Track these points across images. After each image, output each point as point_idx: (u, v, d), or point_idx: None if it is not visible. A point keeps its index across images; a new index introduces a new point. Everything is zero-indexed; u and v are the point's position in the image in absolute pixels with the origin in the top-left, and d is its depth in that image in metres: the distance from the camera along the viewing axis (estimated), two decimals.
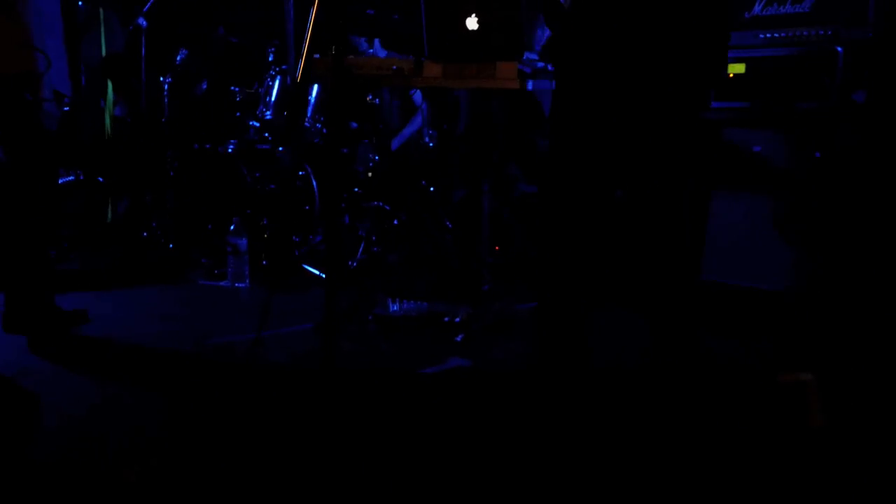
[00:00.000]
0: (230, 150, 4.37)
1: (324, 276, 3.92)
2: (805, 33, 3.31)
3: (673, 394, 2.35)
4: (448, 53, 2.98)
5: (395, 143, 4.63)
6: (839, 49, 3.23)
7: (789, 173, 3.30)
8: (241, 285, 3.97)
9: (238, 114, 4.63)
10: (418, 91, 4.68)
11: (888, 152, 3.21)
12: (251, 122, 4.49)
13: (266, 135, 4.48)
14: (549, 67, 3.10)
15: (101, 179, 4.63)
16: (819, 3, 3.31)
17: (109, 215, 4.75)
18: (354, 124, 4.43)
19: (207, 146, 4.42)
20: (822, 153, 3.26)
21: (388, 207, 4.38)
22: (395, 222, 4.39)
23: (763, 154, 3.39)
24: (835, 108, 3.26)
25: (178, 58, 4.90)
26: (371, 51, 4.59)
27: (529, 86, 3.01)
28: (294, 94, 4.23)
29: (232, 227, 3.99)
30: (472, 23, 2.90)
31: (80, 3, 4.79)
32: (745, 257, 3.38)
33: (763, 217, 3.36)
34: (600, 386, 2.58)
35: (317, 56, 3.14)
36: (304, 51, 1.74)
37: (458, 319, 3.23)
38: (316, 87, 4.37)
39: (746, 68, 3.38)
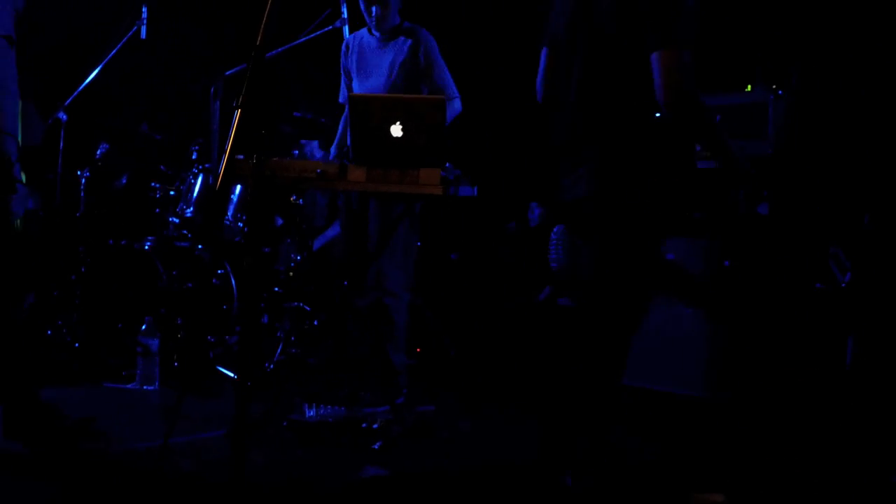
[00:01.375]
0: (147, 247, 4.26)
1: (234, 377, 3.81)
2: None
3: None
4: (373, 158, 3.02)
5: (318, 244, 4.61)
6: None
7: (702, 280, 3.43)
8: (150, 388, 3.80)
9: (157, 210, 4.54)
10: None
11: (789, 264, 3.38)
12: (171, 219, 4.41)
13: (185, 232, 4.40)
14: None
15: None
16: (724, 119, 3.52)
17: None
18: (279, 220, 4.40)
19: (123, 242, 4.30)
20: (731, 262, 3.41)
21: (308, 308, 4.32)
22: (316, 323, 4.32)
23: (677, 261, 3.51)
24: (741, 219, 3.43)
25: (99, 152, 4.82)
26: (308, 149, 4.63)
27: (451, 191, 3.07)
28: (215, 192, 4.20)
29: (144, 327, 3.85)
30: (396, 130, 2.96)
31: None
32: (661, 362, 3.44)
33: (678, 322, 3.45)
34: None
35: (240, 157, 3.14)
36: (225, 154, 1.73)
37: (375, 426, 3.15)
38: (239, 185, 4.35)
39: None
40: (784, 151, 3.39)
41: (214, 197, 4.19)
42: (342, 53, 3.76)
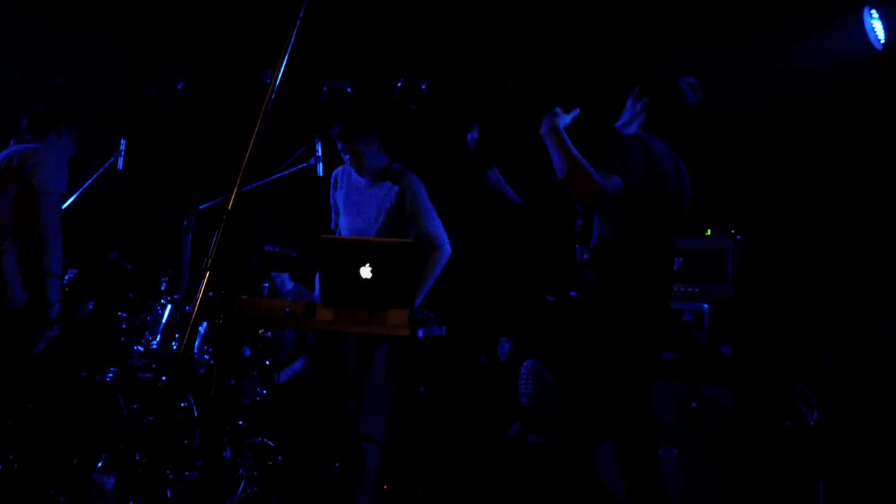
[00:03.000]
0: (108, 379, 4.17)
1: None
2: (676, 289, 3.59)
3: None
4: (342, 299, 3.04)
5: (284, 376, 4.56)
6: (705, 306, 3.50)
7: (668, 423, 3.42)
8: None
9: (122, 339, 4.48)
10: None
11: (752, 405, 3.40)
12: (136, 347, 4.34)
13: (151, 363, 4.33)
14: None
15: None
16: (686, 263, 3.62)
17: None
18: (247, 351, 4.35)
19: (83, 374, 4.21)
20: (698, 404, 3.42)
21: (272, 444, 4.21)
22: (280, 459, 4.20)
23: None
24: (705, 360, 3.47)
25: (67, 277, 4.80)
26: (279, 281, 4.64)
27: (420, 334, 3.08)
28: (183, 326, 4.17)
29: (100, 464, 3.72)
30: (365, 272, 3.00)
31: None
32: None
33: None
34: None
35: (210, 294, 3.14)
36: (194, 311, 1.74)
37: None
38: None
39: None
40: (744, 294, 3.48)
41: (181, 330, 4.15)
42: (331, 185, 3.82)
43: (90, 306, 4.98)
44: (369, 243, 3.18)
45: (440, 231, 3.62)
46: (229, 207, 1.76)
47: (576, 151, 2.71)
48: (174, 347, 4.23)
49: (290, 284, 4.64)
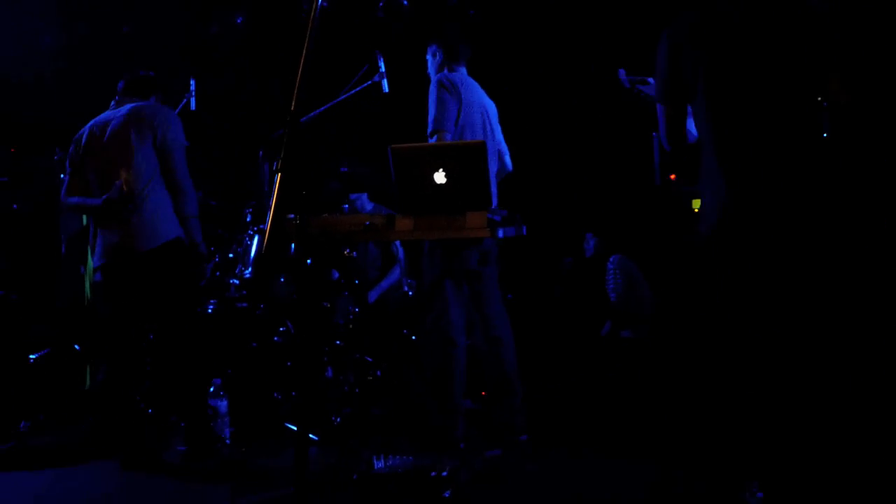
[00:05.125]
0: (209, 311, 4.36)
1: (310, 434, 3.84)
2: None
3: None
4: (419, 207, 3.05)
5: (373, 295, 4.66)
6: None
7: None
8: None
9: (217, 273, 4.66)
10: (398, 244, 4.77)
11: None
12: (231, 281, 4.51)
13: (245, 293, 4.49)
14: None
15: (77, 348, 4.58)
16: None
17: (88, 382, 4.67)
18: (336, 274, 4.46)
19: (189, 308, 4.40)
20: None
21: (369, 359, 4.34)
22: (378, 374, 4.34)
23: None
24: None
25: None
26: (359, 203, 4.71)
27: (500, 234, 3.08)
28: (268, 254, 4.29)
29: (211, 389, 3.92)
30: (439, 177, 2.99)
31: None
32: None
33: None
34: None
35: (290, 217, 3.21)
36: (269, 217, 1.78)
37: (444, 473, 3.13)
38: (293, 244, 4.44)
39: None
40: None
41: (267, 257, 4.28)
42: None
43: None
44: (440, 148, 3.15)
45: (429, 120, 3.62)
46: (292, 108, 1.78)
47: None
48: (261, 276, 4.37)
49: (369, 205, 4.69)
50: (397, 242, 4.76)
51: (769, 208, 2.25)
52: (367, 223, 3.14)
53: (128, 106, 3.72)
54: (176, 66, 4.74)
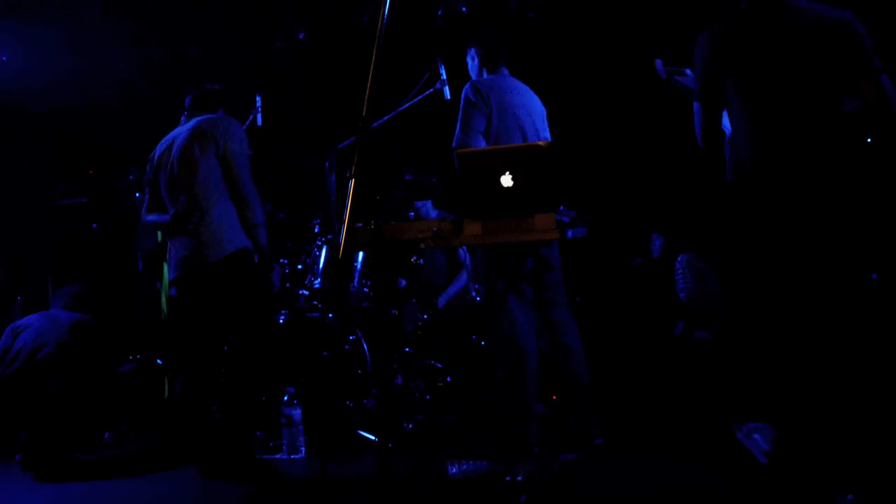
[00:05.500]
0: (281, 321, 4.44)
1: (377, 440, 3.86)
2: None
3: None
4: (486, 211, 3.05)
5: (442, 301, 4.67)
6: None
7: None
8: (296, 457, 3.91)
9: (288, 284, 4.74)
10: (465, 251, 4.78)
11: None
12: (301, 292, 4.59)
13: (315, 303, 4.56)
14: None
15: (159, 362, 4.71)
16: None
17: (166, 393, 4.80)
18: (403, 282, 4.49)
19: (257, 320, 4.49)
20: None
21: (439, 365, 4.35)
22: (448, 380, 4.34)
23: None
24: None
25: None
26: (424, 211, 4.73)
27: (570, 235, 3.05)
28: (339, 262, 4.35)
29: (285, 398, 3.99)
30: (506, 180, 2.98)
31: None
32: None
33: None
34: None
35: (359, 225, 3.25)
36: (344, 224, 1.80)
37: (519, 478, 3.11)
38: (361, 253, 4.49)
39: None
40: None
41: (339, 264, 4.34)
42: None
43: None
44: (506, 150, 3.14)
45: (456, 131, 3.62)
46: (364, 114, 1.80)
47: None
48: (333, 284, 4.43)
49: (434, 212, 4.71)
50: (463, 248, 4.76)
51: (791, 165, 2.61)
52: (435, 229, 3.15)
53: (194, 120, 3.80)
54: (242, 83, 4.86)
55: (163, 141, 3.88)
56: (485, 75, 3.74)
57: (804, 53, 2.65)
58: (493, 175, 2.99)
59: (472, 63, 3.82)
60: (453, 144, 3.54)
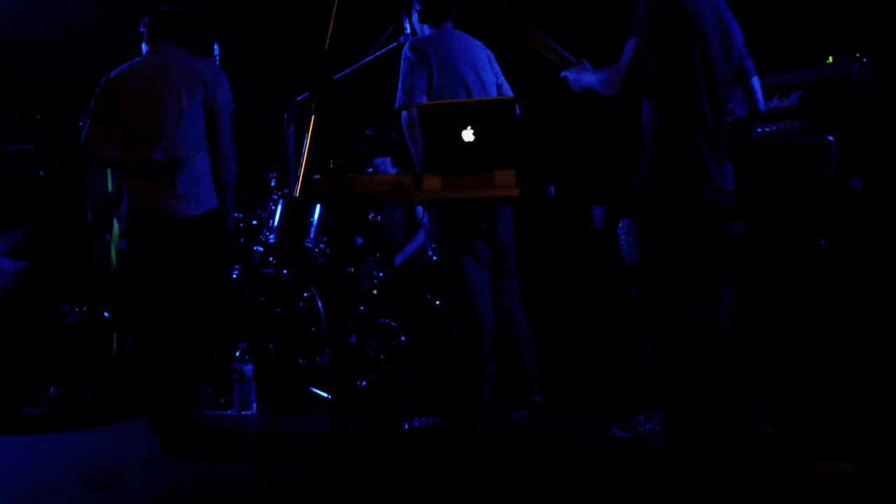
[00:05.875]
0: (234, 276, 4.37)
1: (331, 397, 3.85)
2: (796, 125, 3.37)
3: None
4: (447, 166, 3.01)
5: (399, 259, 4.63)
6: (830, 138, 3.28)
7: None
8: (247, 413, 3.87)
9: (242, 240, 4.65)
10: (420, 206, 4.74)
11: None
12: (256, 248, 4.51)
13: (270, 258, 4.49)
14: None
15: (106, 315, 4.60)
16: (806, 95, 3.38)
17: (115, 349, 4.70)
18: (359, 240, 4.44)
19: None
20: (827, 241, 3.25)
21: (394, 324, 4.33)
22: (403, 339, 4.33)
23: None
24: (834, 195, 3.26)
25: None
26: (382, 168, 4.67)
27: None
28: (295, 214, 4.27)
29: (237, 353, 3.93)
30: (467, 135, 2.95)
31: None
32: None
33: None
34: None
35: (317, 176, 3.19)
36: (301, 168, 1.75)
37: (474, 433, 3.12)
38: (318, 207, 4.42)
39: None
40: (879, 120, 3.21)
41: (294, 220, 4.26)
42: None
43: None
44: (468, 104, 3.10)
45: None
46: (325, 48, 1.74)
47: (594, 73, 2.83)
48: (289, 237, 4.35)
49: (393, 170, 4.65)
50: (420, 207, 4.72)
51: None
52: (395, 182, 3.11)
53: (172, 53, 3.44)
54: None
55: (130, 67, 3.43)
56: (427, 31, 3.66)
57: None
58: (454, 129, 2.95)
59: (413, 17, 3.74)
60: (396, 105, 3.48)
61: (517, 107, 3.22)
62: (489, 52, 3.70)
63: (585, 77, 2.89)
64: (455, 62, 3.52)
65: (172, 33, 3.50)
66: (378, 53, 4.08)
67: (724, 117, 2.73)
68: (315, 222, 4.43)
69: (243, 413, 3.87)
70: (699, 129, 2.65)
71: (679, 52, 2.64)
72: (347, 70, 4.02)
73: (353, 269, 4.44)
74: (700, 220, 2.66)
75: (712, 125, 2.68)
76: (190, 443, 3.28)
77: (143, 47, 3.56)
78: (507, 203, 3.53)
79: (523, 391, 3.51)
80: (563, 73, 2.99)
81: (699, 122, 2.66)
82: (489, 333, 3.44)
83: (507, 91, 3.68)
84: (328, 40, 1.76)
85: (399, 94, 3.46)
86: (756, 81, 2.90)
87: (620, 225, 4.53)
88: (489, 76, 3.64)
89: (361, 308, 4.36)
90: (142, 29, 3.55)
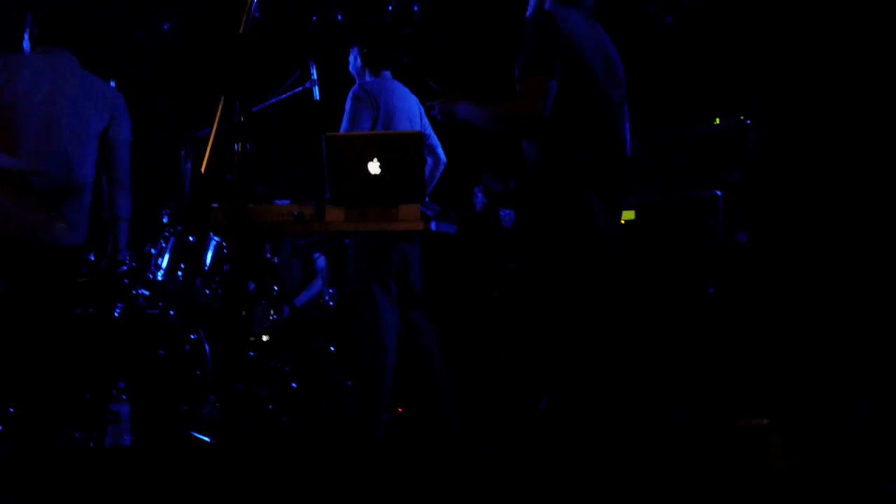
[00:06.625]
0: (116, 314, 4.12)
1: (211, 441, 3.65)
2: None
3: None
4: (351, 198, 2.99)
5: (301, 300, 4.53)
6: (718, 193, 3.46)
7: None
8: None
9: (126, 281, 4.40)
10: (322, 256, 4.66)
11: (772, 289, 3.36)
12: (141, 291, 4.28)
13: (157, 299, 4.27)
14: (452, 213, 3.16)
15: None
16: (697, 151, 3.56)
17: None
18: (252, 285, 4.30)
19: (91, 310, 4.15)
20: (714, 289, 3.39)
21: (286, 369, 4.18)
22: (294, 385, 4.17)
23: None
24: (720, 247, 3.43)
25: None
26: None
27: (433, 227, 3.03)
28: (187, 252, 4.10)
29: (113, 393, 3.67)
30: (373, 167, 2.94)
31: None
32: None
33: None
34: None
35: (214, 205, 3.10)
36: (209, 143, 1.69)
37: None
38: (212, 246, 4.27)
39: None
40: (762, 178, 3.42)
41: (188, 255, 4.09)
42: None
43: (91, 256, 4.90)
44: (376, 136, 3.10)
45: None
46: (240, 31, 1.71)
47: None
48: (180, 278, 4.17)
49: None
50: (316, 254, 4.66)
51: None
52: (296, 213, 3.05)
53: (71, 64, 3.14)
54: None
55: (20, 61, 3.09)
56: (367, 76, 3.71)
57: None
58: (360, 161, 2.94)
59: (353, 62, 3.77)
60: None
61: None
62: (420, 107, 3.77)
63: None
64: (397, 112, 3.58)
65: (60, 35, 3.16)
66: (284, 96, 4.05)
67: (620, 157, 2.54)
68: (209, 262, 4.26)
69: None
70: (589, 173, 2.41)
71: (573, 89, 2.39)
72: (255, 108, 3.97)
73: (244, 313, 4.27)
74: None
75: (606, 166, 2.46)
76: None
77: (26, 44, 3.22)
78: (409, 239, 3.52)
79: (444, 427, 3.44)
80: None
81: (592, 163, 2.41)
82: (391, 372, 3.37)
83: (436, 145, 3.75)
84: (242, 24, 1.73)
85: (343, 129, 3.45)
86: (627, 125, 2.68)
87: (502, 211, 4.52)
88: (426, 122, 3.76)
89: (251, 353, 4.19)
90: (30, 24, 3.20)
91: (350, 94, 3.53)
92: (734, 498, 2.06)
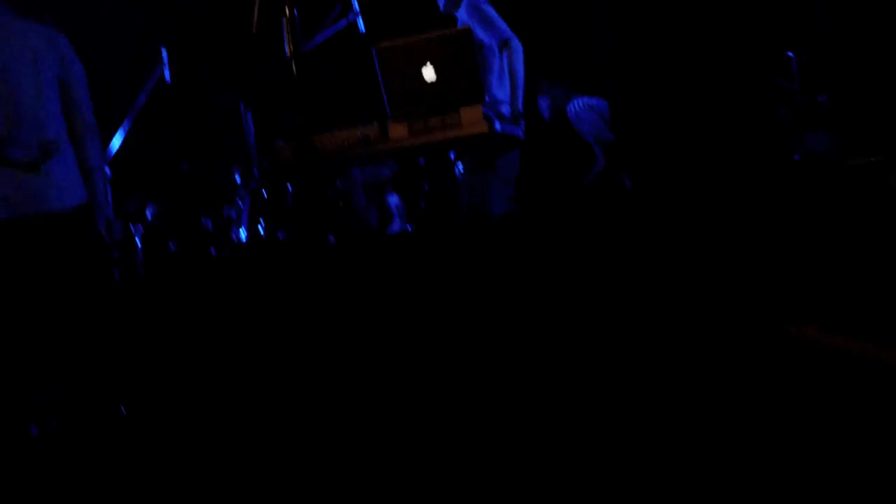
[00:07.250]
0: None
1: None
2: None
3: None
4: (410, 109, 2.95)
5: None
6: (790, 54, 3.27)
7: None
8: None
9: (212, 249, 4.50)
10: (394, 194, 4.65)
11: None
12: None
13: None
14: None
15: None
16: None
17: None
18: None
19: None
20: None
21: None
22: None
23: None
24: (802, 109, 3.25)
25: (148, 213, 4.89)
26: None
27: (497, 127, 2.97)
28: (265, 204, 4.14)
29: None
30: (428, 73, 2.89)
31: None
32: None
33: None
34: None
35: (279, 143, 3.11)
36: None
37: None
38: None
39: None
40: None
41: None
42: None
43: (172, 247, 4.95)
44: (423, 40, 2.99)
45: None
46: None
47: None
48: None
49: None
50: (389, 194, 4.63)
51: None
52: (361, 136, 3.04)
53: (5, 13, 2.82)
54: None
55: None
56: None
57: None
58: (414, 69, 2.89)
59: None
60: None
61: None
62: None
63: None
64: None
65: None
66: (327, 34, 4.00)
67: None
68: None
69: None
70: None
71: None
72: (303, 49, 3.94)
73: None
74: None
75: None
76: None
77: None
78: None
79: None
80: None
81: None
82: None
83: None
84: None
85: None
86: None
87: (569, 109, 4.40)
88: None
89: None
90: None
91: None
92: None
